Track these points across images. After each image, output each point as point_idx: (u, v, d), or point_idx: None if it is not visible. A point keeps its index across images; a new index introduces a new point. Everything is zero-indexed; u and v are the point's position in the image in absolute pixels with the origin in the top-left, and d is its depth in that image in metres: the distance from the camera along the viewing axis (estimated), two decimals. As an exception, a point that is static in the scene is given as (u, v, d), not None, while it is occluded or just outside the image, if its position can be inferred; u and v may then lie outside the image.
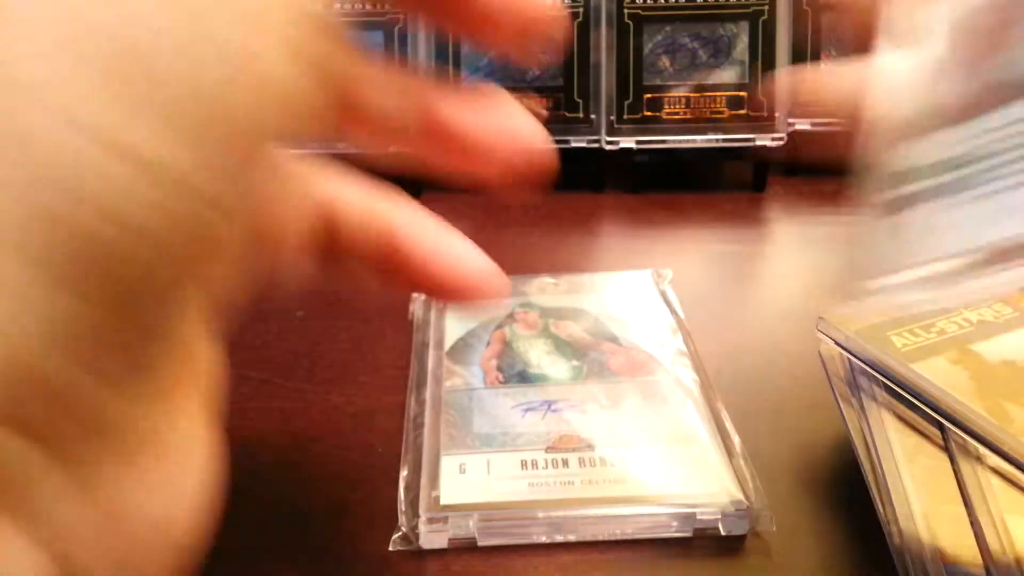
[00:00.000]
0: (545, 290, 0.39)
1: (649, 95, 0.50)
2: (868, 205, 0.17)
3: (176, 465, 0.13)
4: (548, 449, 0.29)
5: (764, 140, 0.51)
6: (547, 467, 0.28)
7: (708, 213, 0.51)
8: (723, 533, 0.26)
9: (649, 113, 0.50)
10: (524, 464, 0.28)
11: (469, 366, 0.34)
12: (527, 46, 0.17)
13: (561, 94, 0.50)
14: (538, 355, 0.34)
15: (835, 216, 0.48)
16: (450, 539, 0.26)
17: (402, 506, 0.27)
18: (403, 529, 0.26)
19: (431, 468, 0.28)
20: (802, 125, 0.51)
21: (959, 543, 0.24)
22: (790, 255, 0.48)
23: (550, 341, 0.35)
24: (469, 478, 0.28)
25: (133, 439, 0.12)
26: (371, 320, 0.39)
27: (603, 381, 0.33)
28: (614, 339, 0.36)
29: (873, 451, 0.27)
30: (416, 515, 0.26)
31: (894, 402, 0.28)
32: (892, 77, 0.17)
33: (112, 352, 0.11)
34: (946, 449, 0.26)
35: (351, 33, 0.14)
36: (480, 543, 0.26)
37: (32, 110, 0.10)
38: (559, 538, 0.26)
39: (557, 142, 0.50)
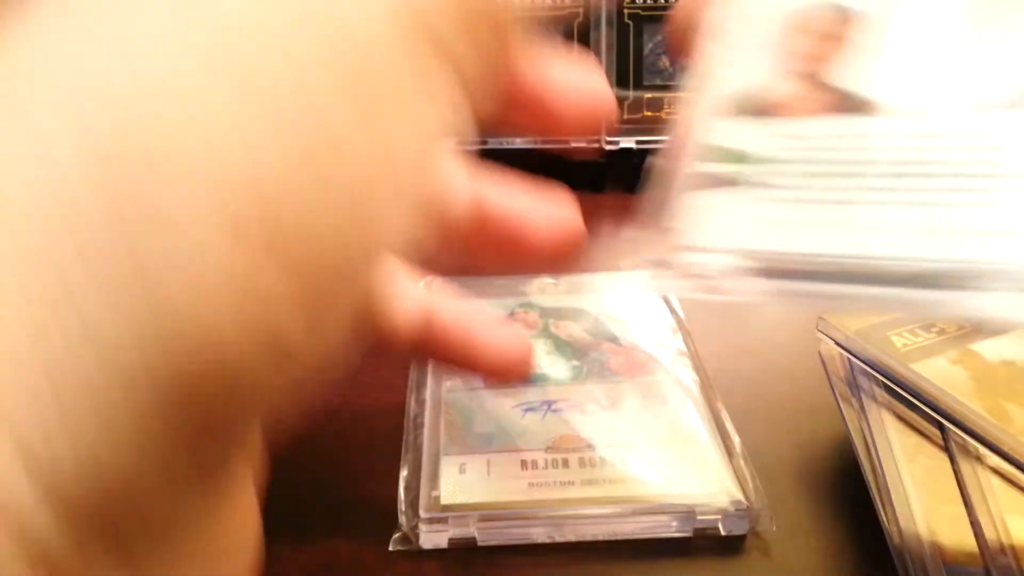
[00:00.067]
0: (545, 290, 0.39)
1: (649, 95, 0.50)
2: (665, 176, 0.17)
3: (228, 550, 0.13)
4: (548, 449, 0.29)
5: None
6: (547, 467, 0.28)
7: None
8: (723, 533, 0.26)
9: (649, 113, 0.50)
10: (524, 464, 0.28)
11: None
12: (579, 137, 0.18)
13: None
14: (538, 355, 0.34)
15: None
16: (450, 539, 0.26)
17: (402, 506, 0.27)
18: (403, 529, 0.26)
19: (431, 468, 0.28)
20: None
21: (959, 543, 0.24)
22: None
23: (550, 341, 0.35)
24: (469, 478, 0.28)
25: (194, 533, 0.12)
26: (371, 320, 0.39)
27: (603, 381, 0.33)
28: (614, 339, 0.36)
29: (873, 451, 0.27)
30: (416, 515, 0.26)
31: (894, 402, 0.28)
32: (710, 60, 0.17)
33: (189, 464, 0.11)
34: (946, 449, 0.26)
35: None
36: (480, 543, 0.26)
37: (166, 245, 0.10)
38: (559, 538, 0.26)
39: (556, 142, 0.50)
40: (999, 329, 0.17)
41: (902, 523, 0.24)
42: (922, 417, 0.27)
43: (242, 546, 0.14)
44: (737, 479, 0.27)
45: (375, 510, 0.27)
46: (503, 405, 0.31)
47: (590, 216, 0.20)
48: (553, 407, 0.31)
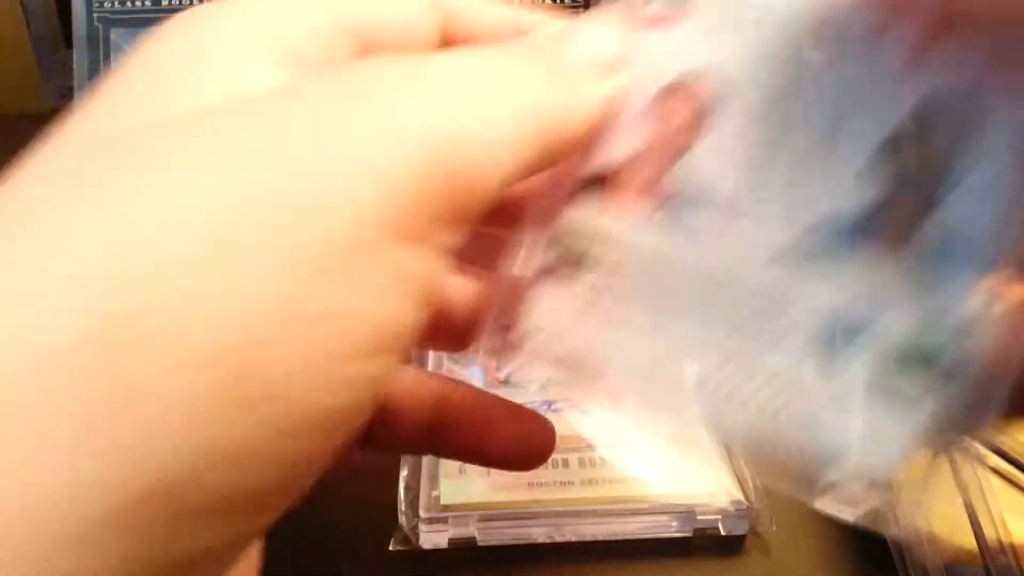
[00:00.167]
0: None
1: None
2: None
3: None
4: (548, 449, 0.29)
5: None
6: (547, 467, 0.28)
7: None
8: (723, 533, 0.26)
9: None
10: (524, 464, 0.28)
11: (469, 365, 0.34)
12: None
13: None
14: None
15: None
16: (450, 539, 0.26)
17: (402, 506, 0.27)
18: (403, 529, 0.26)
19: (431, 468, 0.28)
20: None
21: (959, 543, 0.24)
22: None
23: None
24: (469, 478, 0.28)
25: None
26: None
27: (603, 381, 0.33)
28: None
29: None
30: (416, 515, 0.26)
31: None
32: None
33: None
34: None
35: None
36: (480, 543, 0.26)
37: (152, 406, 0.10)
38: (559, 538, 0.26)
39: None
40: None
41: (902, 523, 0.24)
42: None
43: None
44: (737, 479, 0.27)
45: (375, 510, 0.27)
46: (503, 405, 0.31)
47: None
48: (553, 407, 0.31)
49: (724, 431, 0.15)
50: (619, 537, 0.26)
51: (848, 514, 0.15)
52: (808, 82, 0.16)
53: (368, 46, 0.15)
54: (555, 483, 0.27)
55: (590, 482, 0.27)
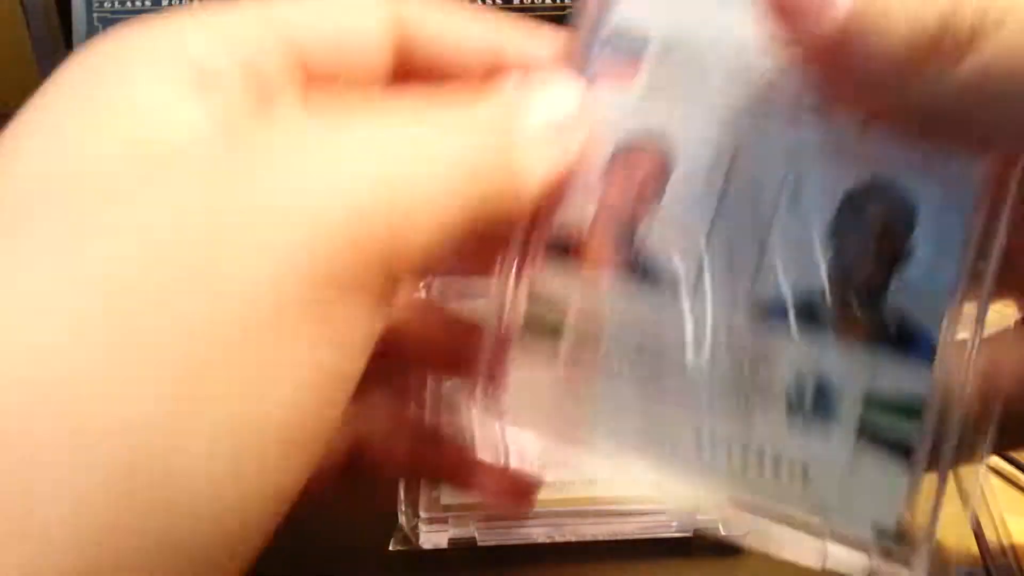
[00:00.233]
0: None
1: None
2: None
3: None
4: (548, 449, 0.29)
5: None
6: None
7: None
8: (723, 533, 0.26)
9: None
10: (524, 464, 0.28)
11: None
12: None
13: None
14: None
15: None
16: (450, 539, 0.26)
17: (402, 506, 0.27)
18: (403, 529, 0.26)
19: (431, 468, 0.28)
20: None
21: (959, 543, 0.24)
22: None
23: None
24: (469, 478, 0.28)
25: None
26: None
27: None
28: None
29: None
30: (416, 515, 0.26)
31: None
32: None
33: None
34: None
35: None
36: (480, 543, 0.26)
37: (40, 495, 0.10)
38: (559, 538, 0.26)
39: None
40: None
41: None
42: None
43: None
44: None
45: (375, 510, 0.27)
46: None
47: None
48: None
49: (717, 501, 0.15)
50: (619, 537, 0.26)
51: (860, 568, 0.15)
52: (761, 148, 0.16)
53: (311, 63, 0.15)
54: (555, 483, 0.27)
55: (590, 482, 0.27)
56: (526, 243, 0.16)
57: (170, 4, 0.42)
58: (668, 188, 0.16)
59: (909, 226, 0.15)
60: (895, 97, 0.14)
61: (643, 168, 0.16)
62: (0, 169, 0.12)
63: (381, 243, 0.12)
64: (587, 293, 0.16)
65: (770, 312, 0.15)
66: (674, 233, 0.16)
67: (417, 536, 0.26)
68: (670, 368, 0.15)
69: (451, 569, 0.26)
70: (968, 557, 0.23)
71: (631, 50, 0.16)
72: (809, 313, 0.15)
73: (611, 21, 0.17)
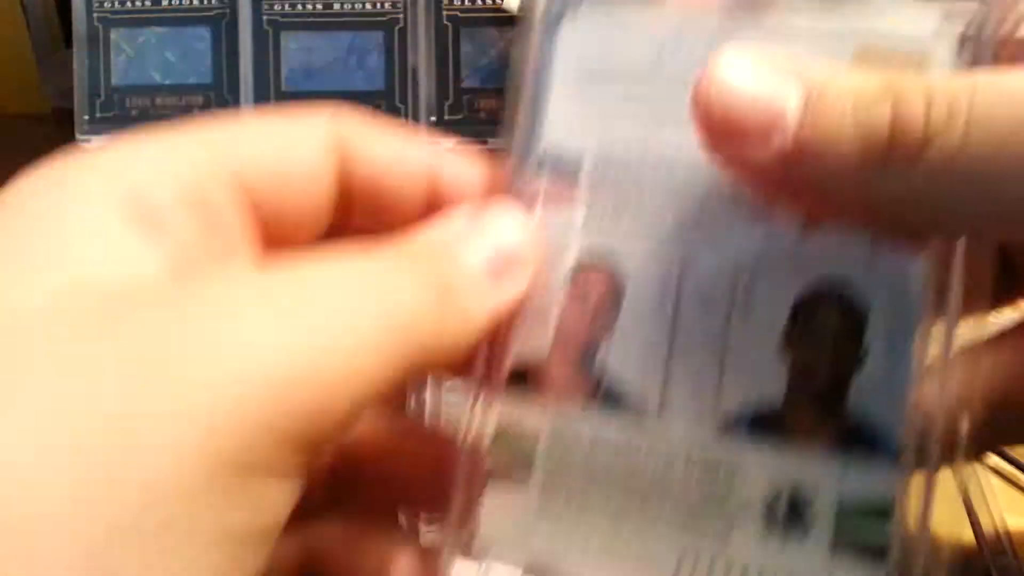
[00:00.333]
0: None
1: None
2: None
3: None
4: (548, 449, 0.29)
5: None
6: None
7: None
8: None
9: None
10: (524, 464, 0.28)
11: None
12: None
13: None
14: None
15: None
16: (450, 539, 0.26)
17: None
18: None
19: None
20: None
21: (959, 543, 0.24)
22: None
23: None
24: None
25: None
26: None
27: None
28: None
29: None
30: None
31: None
32: None
33: None
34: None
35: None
36: (480, 543, 0.26)
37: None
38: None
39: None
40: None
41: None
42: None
43: None
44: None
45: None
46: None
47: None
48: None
49: None
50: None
51: None
52: (706, 260, 0.16)
53: (255, 189, 0.14)
54: None
55: None
56: (487, 376, 0.16)
57: (170, 4, 0.42)
58: (623, 308, 0.16)
59: (860, 328, 0.15)
60: (844, 201, 0.14)
61: (596, 290, 0.16)
62: None
63: (300, 422, 0.12)
64: (553, 423, 0.16)
65: (736, 425, 0.15)
66: (634, 355, 0.16)
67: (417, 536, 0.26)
68: (644, 489, 0.15)
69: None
70: (968, 557, 0.23)
71: (566, 171, 0.16)
72: (774, 424, 0.15)
73: (542, 140, 0.17)
